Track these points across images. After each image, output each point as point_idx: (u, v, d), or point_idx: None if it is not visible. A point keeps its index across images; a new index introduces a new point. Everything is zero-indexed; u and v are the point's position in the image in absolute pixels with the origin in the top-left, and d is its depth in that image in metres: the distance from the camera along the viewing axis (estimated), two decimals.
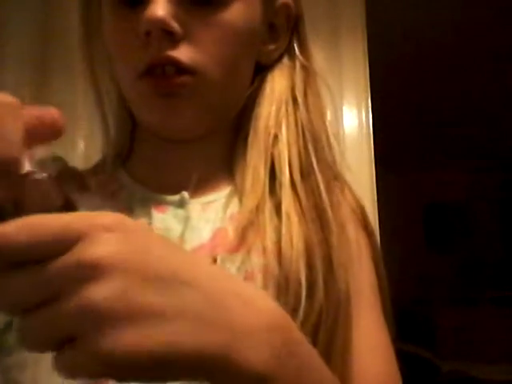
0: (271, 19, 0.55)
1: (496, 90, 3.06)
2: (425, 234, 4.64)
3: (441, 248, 4.57)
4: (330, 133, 0.56)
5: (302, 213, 0.49)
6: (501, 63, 2.80)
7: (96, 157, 0.62)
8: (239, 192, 0.52)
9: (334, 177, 0.54)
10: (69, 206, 0.29)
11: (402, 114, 3.26)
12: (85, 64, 0.57)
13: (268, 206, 0.49)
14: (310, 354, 0.33)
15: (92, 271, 0.25)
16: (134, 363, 0.26)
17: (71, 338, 0.26)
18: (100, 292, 0.25)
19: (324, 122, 0.56)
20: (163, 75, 0.48)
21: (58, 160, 0.53)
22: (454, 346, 3.71)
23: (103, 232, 0.26)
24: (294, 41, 0.57)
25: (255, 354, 0.29)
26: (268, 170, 0.51)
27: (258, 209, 0.49)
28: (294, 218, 0.48)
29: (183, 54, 0.47)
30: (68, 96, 1.68)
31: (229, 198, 0.52)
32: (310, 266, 0.46)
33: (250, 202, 0.49)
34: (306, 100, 0.55)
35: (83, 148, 1.62)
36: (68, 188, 0.57)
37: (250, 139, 0.53)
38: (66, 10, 1.63)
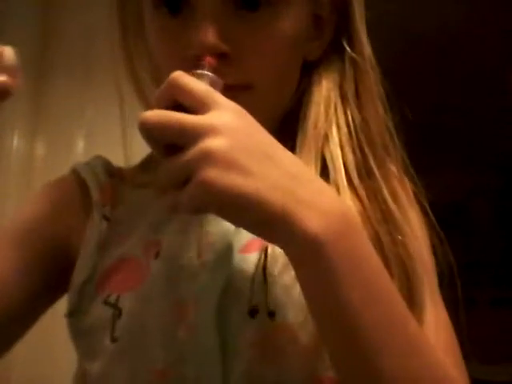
0: (315, 11, 0.51)
1: (497, 91, 3.07)
2: None
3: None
4: (390, 133, 0.53)
5: (365, 215, 0.46)
6: (503, 65, 2.81)
7: None
8: None
9: (398, 179, 0.52)
10: None
11: (402, 114, 3.26)
12: (126, 68, 0.55)
13: None
14: (365, 245, 0.39)
15: (211, 132, 0.36)
16: (217, 197, 0.35)
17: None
18: (215, 143, 0.36)
19: (381, 122, 0.52)
20: None
21: (99, 158, 0.58)
22: None
23: (224, 110, 0.38)
24: (342, 32, 0.52)
25: (315, 221, 0.36)
26: (319, 170, 0.48)
27: None
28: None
29: (234, 76, 0.46)
30: (68, 96, 1.67)
31: None
32: None
33: None
34: (359, 98, 0.51)
35: (83, 148, 1.61)
36: (117, 182, 0.57)
37: (299, 140, 0.50)
38: (67, 8, 1.62)
